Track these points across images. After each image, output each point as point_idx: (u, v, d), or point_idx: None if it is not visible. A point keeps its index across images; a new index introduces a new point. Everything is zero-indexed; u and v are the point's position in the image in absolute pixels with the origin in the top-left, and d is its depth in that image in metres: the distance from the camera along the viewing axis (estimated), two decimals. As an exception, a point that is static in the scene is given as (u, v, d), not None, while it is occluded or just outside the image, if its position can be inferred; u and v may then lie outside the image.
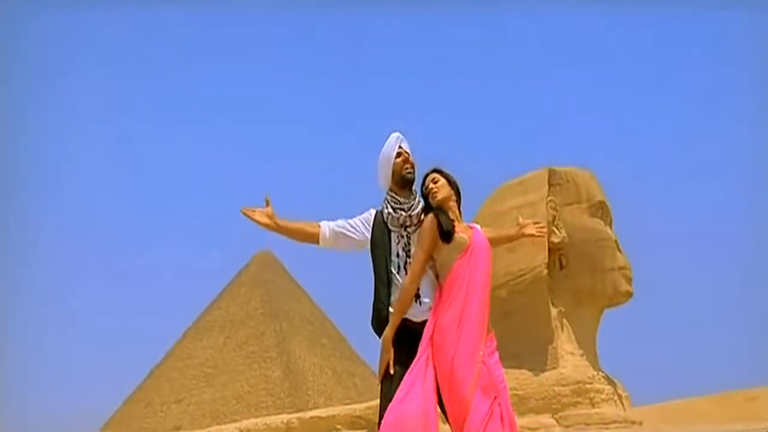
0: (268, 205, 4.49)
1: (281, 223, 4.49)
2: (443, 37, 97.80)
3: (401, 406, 4.01)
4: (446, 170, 4.59)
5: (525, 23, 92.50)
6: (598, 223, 14.85)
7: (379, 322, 4.36)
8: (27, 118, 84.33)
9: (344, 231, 4.52)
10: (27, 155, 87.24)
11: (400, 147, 4.56)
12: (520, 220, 5.03)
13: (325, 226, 4.53)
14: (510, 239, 4.99)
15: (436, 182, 4.50)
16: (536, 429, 13.55)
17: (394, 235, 4.45)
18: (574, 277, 14.70)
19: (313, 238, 4.52)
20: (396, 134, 4.60)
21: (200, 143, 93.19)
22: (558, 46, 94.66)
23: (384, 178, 4.57)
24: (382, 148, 4.59)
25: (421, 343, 4.20)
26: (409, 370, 4.14)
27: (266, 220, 4.44)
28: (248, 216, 4.45)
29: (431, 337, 4.19)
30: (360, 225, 4.54)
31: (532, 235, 4.92)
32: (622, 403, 14.43)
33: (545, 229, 5.14)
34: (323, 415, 17.69)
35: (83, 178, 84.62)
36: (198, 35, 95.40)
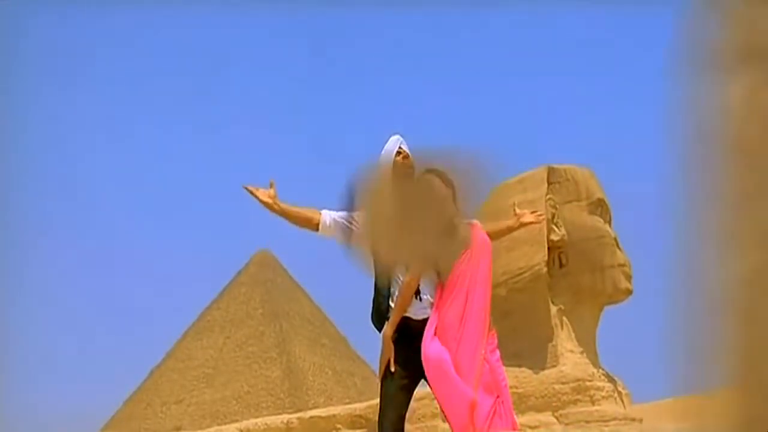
0: (272, 187, 4.55)
1: (283, 205, 4.55)
2: (443, 37, 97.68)
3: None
4: (439, 169, 4.55)
5: (524, 23, 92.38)
6: (597, 221, 14.80)
7: (379, 315, 4.39)
8: (27, 118, 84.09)
9: (345, 222, 4.57)
10: (27, 155, 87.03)
11: (400, 147, 4.60)
12: (517, 210, 5.03)
13: (327, 215, 4.58)
14: (510, 230, 4.99)
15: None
16: (536, 427, 13.55)
17: None
18: (573, 274, 14.64)
19: (312, 224, 4.57)
20: (396, 136, 4.64)
21: (201, 143, 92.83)
22: (557, 46, 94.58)
23: (384, 178, 4.59)
24: (381, 150, 4.62)
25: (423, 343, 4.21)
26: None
27: (268, 200, 4.50)
28: (251, 192, 4.51)
29: (434, 335, 4.20)
30: (361, 219, 4.58)
31: (531, 223, 4.93)
32: (623, 401, 14.41)
33: (543, 216, 5.16)
34: (323, 414, 17.61)
35: (83, 177, 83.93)
36: (198, 35, 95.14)
